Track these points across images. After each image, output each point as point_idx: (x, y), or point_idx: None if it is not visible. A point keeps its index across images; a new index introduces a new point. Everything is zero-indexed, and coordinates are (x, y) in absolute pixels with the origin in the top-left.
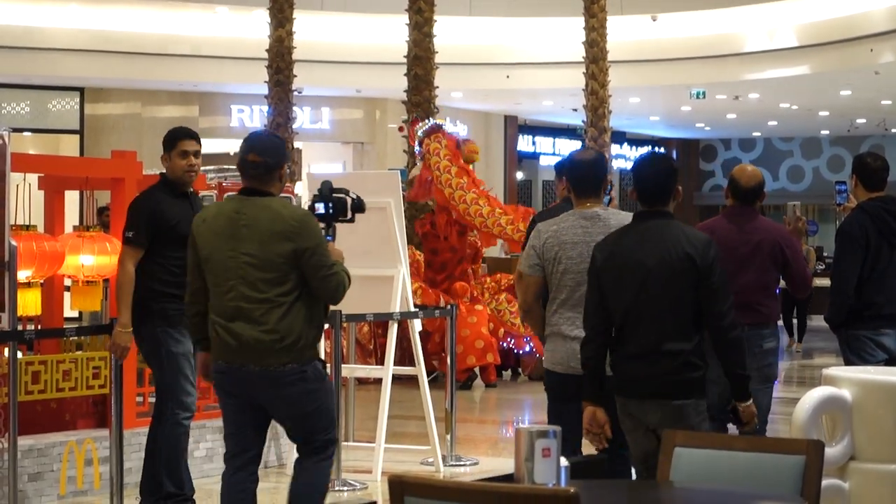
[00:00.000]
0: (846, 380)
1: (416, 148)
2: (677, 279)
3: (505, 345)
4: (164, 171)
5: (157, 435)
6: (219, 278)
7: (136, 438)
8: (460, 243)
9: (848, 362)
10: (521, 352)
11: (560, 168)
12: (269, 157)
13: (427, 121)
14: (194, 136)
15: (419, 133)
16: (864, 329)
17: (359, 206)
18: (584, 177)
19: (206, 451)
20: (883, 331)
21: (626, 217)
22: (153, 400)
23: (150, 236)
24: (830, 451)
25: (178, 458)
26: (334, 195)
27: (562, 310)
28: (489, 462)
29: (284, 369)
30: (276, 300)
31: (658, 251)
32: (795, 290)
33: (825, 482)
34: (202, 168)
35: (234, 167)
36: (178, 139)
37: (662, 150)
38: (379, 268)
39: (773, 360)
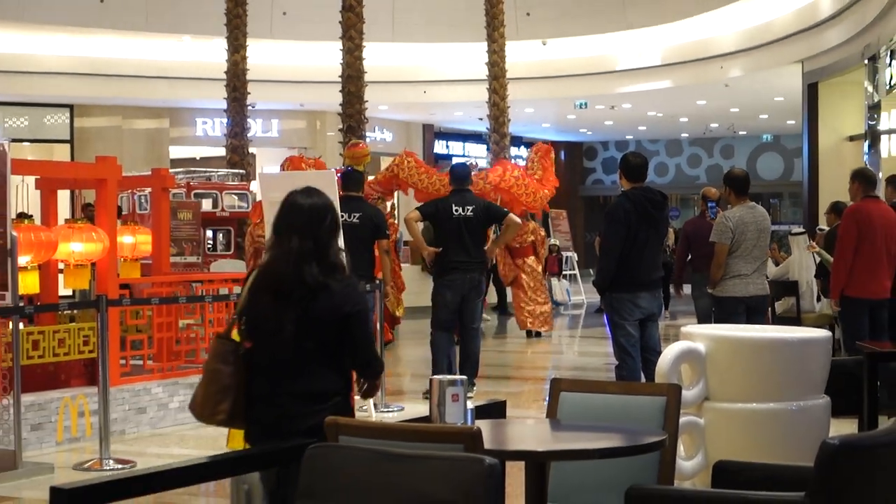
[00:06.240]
0: (701, 335)
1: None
2: None
3: None
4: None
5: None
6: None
7: (120, 394)
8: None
9: (610, 319)
10: None
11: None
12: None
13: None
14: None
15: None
16: (624, 293)
17: None
18: (744, 185)
19: (178, 403)
20: (639, 294)
21: (760, 208)
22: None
23: None
24: (688, 393)
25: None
26: None
27: (739, 260)
28: (413, 408)
29: None
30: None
31: None
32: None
33: (684, 419)
34: (171, 170)
35: (200, 169)
36: None
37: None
38: None
39: None
